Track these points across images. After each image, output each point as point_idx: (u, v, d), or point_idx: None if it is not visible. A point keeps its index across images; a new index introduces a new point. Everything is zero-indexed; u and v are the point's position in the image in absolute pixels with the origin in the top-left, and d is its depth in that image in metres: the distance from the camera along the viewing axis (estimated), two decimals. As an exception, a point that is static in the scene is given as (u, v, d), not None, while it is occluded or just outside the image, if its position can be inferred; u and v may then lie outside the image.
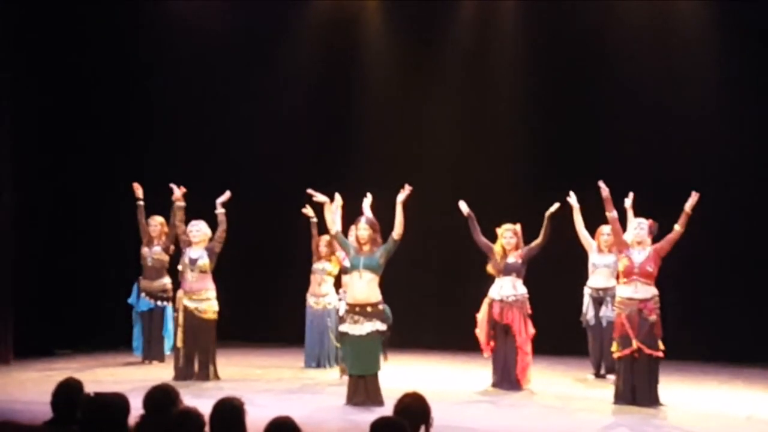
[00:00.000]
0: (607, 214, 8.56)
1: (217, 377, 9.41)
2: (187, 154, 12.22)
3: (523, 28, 12.04)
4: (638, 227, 8.41)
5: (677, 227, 8.32)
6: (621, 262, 8.43)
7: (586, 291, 9.85)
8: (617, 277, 8.65)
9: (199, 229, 9.50)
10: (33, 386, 8.51)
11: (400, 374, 9.28)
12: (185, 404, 4.40)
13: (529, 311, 9.10)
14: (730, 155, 11.21)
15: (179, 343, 9.42)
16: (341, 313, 8.79)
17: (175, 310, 9.68)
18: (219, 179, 11.02)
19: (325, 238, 10.25)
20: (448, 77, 12.32)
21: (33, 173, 11.04)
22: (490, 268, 9.21)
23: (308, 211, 10.20)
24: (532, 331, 9.09)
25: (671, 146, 11.37)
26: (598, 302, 9.72)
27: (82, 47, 11.57)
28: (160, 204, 10.20)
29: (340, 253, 9.39)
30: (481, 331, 9.18)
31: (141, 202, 10.35)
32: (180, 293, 9.52)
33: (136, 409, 4.24)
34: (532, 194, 10.65)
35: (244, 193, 12.11)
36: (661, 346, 8.16)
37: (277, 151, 12.41)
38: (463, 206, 9.32)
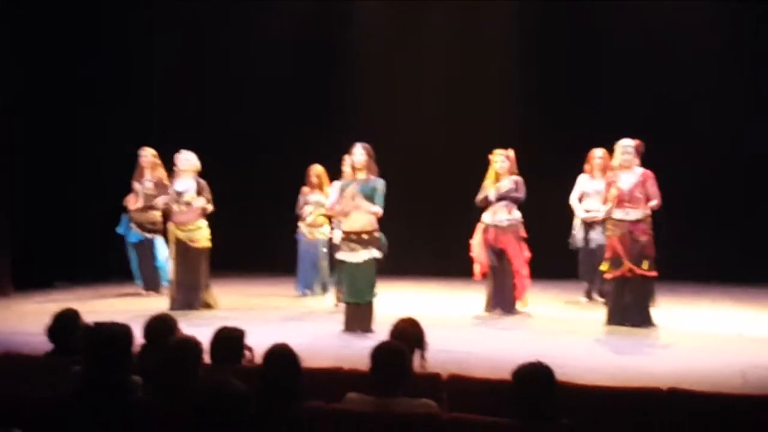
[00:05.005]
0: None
1: (208, 306, 9.27)
2: (184, 99, 12.26)
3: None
4: (624, 151, 8.28)
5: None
6: (610, 192, 8.33)
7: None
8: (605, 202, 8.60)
9: (186, 158, 9.41)
10: (33, 318, 8.54)
11: (396, 301, 9.39)
12: (183, 333, 4.47)
13: (524, 235, 9.14)
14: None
15: (172, 275, 9.38)
16: (336, 241, 8.79)
17: (167, 242, 9.70)
18: (217, 123, 11.11)
19: (316, 167, 10.30)
20: (441, 21, 12.36)
21: (32, 108, 10.99)
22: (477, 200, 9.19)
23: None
24: (527, 254, 9.13)
25: (660, 87, 11.40)
26: (588, 225, 9.77)
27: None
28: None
29: (328, 189, 9.47)
30: (477, 256, 9.19)
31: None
32: (171, 225, 9.47)
33: (137, 339, 4.31)
34: (528, 139, 10.74)
35: (239, 126, 12.22)
36: (646, 266, 8.19)
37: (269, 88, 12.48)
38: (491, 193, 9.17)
